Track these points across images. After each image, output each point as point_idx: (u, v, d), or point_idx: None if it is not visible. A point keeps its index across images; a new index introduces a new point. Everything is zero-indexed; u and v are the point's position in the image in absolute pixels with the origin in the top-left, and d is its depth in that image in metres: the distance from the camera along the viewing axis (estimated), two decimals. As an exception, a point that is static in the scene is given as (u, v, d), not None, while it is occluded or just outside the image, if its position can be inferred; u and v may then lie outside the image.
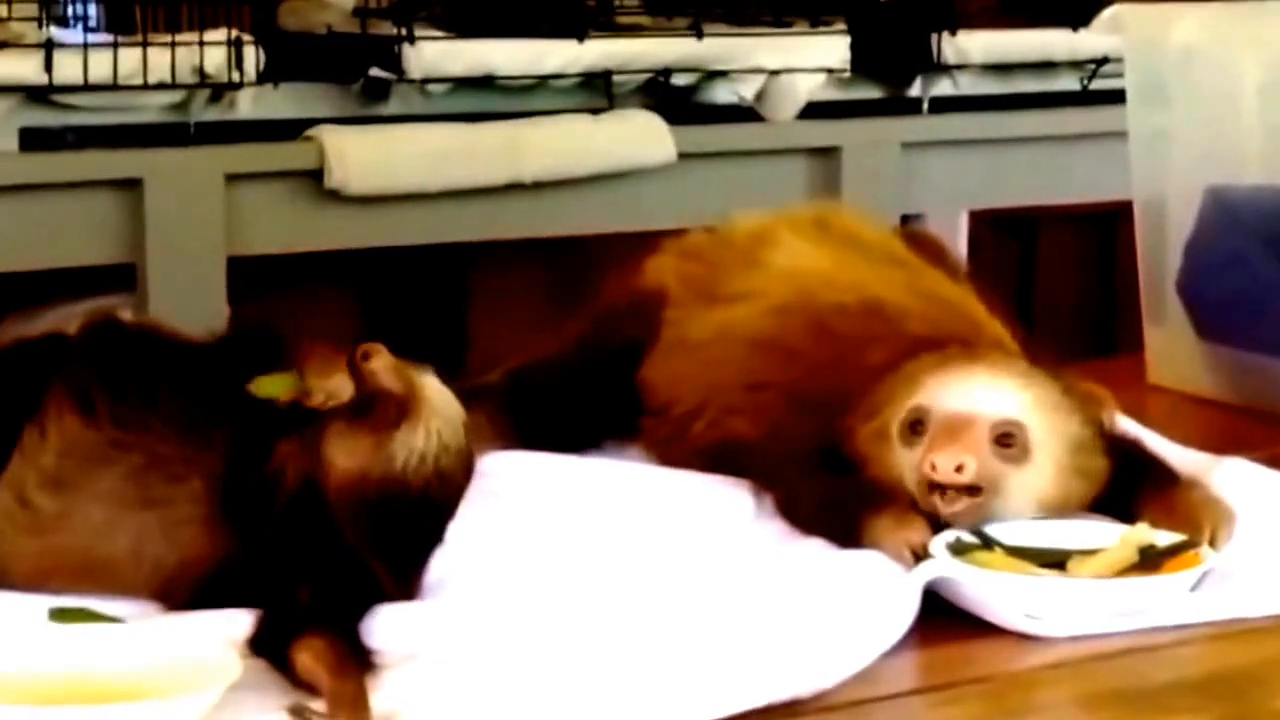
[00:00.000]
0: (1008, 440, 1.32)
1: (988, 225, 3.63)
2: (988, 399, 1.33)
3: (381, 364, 1.19)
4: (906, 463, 1.33)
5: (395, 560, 1.21)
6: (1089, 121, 2.96)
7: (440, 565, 1.25)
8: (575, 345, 1.64)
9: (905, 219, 2.92)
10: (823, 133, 2.89)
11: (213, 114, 2.54)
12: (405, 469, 1.19)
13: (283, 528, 1.19)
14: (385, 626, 1.17)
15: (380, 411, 1.19)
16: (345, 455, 1.19)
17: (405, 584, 1.22)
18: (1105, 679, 1.20)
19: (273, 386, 1.19)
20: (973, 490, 1.31)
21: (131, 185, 2.43)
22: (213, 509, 1.21)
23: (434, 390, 1.22)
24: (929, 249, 1.63)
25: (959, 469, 1.30)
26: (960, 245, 3.41)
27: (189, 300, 2.38)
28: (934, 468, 1.30)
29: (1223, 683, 1.20)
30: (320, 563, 1.18)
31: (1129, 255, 1.96)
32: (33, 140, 2.44)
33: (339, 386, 1.18)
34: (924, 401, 1.34)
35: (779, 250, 1.58)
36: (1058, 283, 3.95)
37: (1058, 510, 1.35)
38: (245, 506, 1.20)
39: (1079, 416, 1.37)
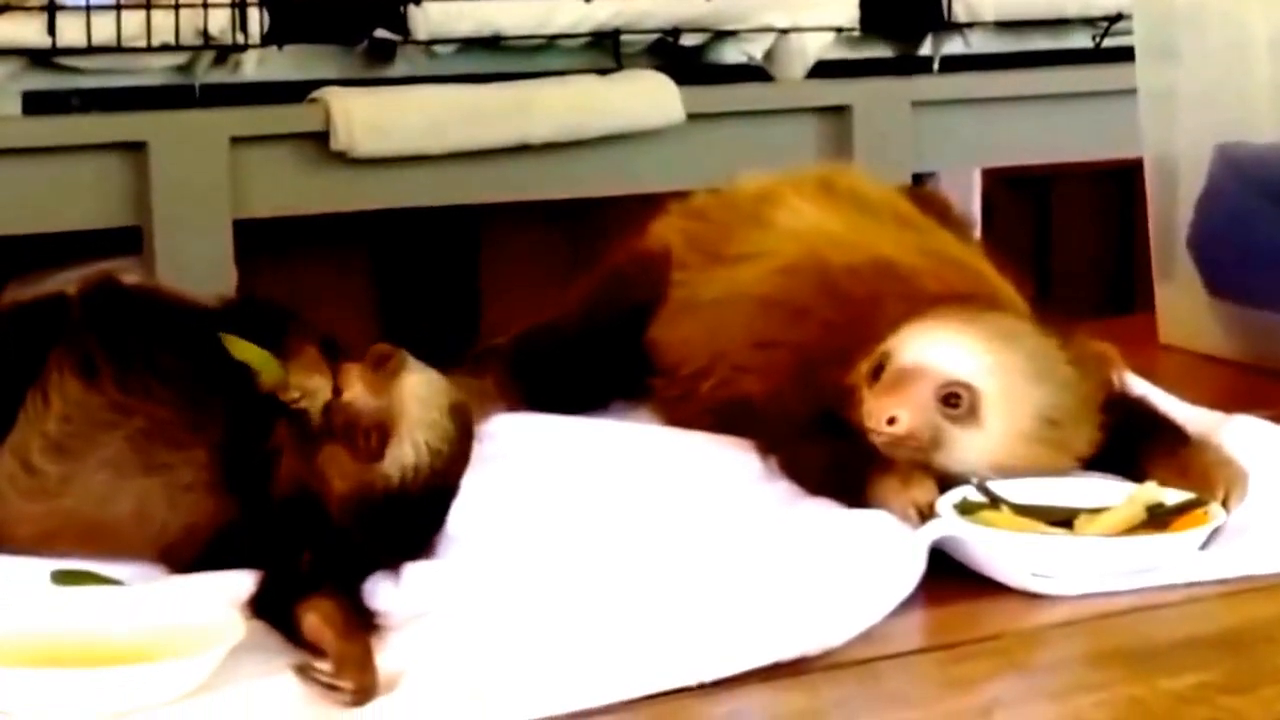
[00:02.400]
0: (954, 400, 1.32)
1: (1002, 183, 3.61)
2: (942, 356, 1.33)
3: (355, 392, 1.19)
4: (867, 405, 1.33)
5: (400, 550, 1.21)
6: (1102, 79, 2.93)
7: (448, 526, 1.25)
8: (582, 307, 1.63)
9: (917, 178, 2.91)
10: (833, 92, 2.86)
11: (217, 76, 2.52)
12: (403, 483, 1.19)
13: (283, 516, 1.19)
14: (391, 588, 1.17)
15: (363, 442, 1.19)
16: (341, 479, 1.19)
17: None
18: (1113, 637, 1.19)
19: (249, 354, 1.19)
20: (911, 439, 1.31)
21: (136, 148, 2.42)
22: (215, 475, 1.21)
23: (411, 394, 1.21)
24: (935, 208, 1.62)
25: (891, 421, 1.30)
26: (974, 204, 3.39)
27: (196, 263, 2.38)
28: (869, 415, 1.31)
29: (1231, 640, 1.20)
30: (322, 542, 1.18)
31: (1145, 212, 1.95)
32: (36, 104, 2.43)
33: (316, 389, 1.19)
34: (890, 348, 1.34)
35: (785, 210, 1.57)
36: (1073, 240, 3.93)
37: (1025, 476, 1.33)
38: (246, 477, 1.20)
39: (1067, 388, 1.35)
